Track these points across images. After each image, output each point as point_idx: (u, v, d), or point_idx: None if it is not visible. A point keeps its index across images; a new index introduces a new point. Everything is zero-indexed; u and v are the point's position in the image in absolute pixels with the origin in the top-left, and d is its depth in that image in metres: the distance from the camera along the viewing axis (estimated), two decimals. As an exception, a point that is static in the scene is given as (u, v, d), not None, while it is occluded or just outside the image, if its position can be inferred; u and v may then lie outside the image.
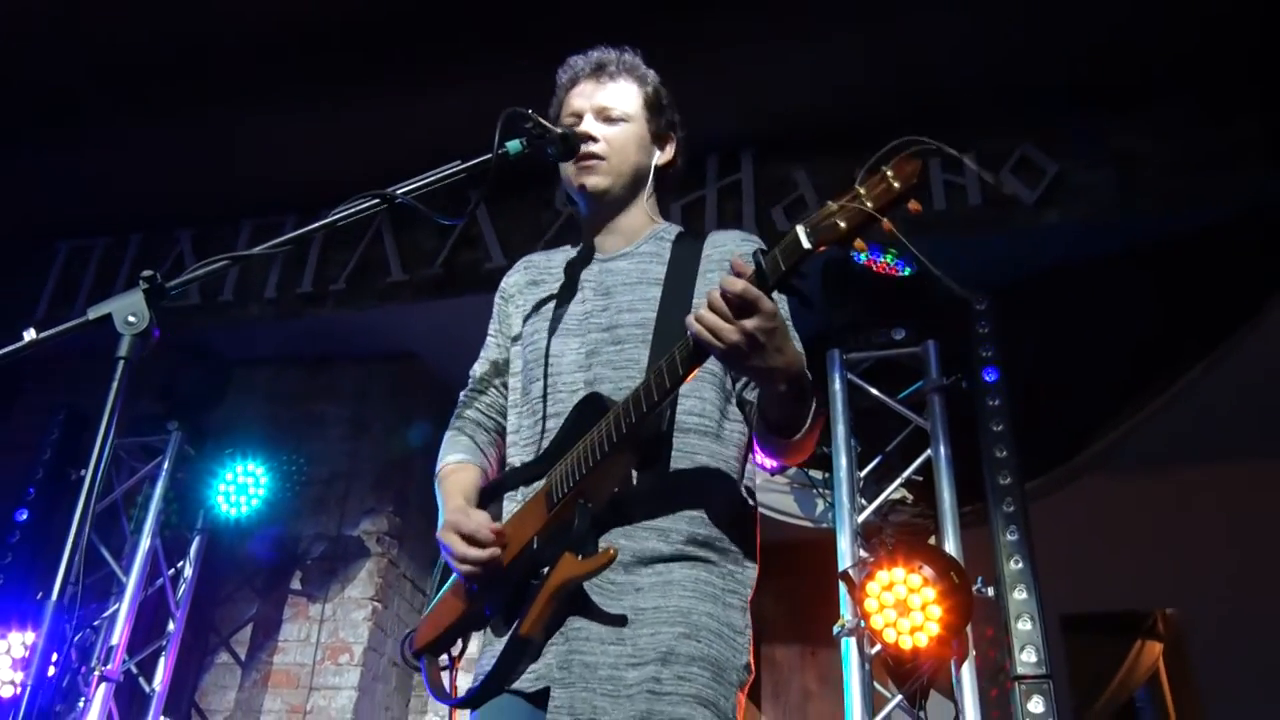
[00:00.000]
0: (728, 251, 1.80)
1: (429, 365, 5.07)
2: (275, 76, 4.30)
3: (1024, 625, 3.63)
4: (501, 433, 1.94)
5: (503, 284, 2.02)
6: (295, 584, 4.89)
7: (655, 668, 1.52)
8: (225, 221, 4.96)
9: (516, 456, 1.81)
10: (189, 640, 4.78)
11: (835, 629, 3.71)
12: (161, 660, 4.61)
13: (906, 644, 3.52)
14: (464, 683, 1.71)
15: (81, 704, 4.33)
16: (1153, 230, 4.42)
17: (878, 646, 3.70)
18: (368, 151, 4.13)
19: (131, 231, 5.17)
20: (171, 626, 4.66)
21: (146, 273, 1.58)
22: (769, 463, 4.14)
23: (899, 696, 3.70)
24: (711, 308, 1.41)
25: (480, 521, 1.67)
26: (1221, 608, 5.45)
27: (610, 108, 1.87)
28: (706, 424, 1.71)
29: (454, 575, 1.78)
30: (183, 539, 4.76)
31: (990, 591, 3.68)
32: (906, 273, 3.97)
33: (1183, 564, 5.48)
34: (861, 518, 3.93)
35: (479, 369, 2.00)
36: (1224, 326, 4.49)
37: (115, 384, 1.57)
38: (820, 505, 4.53)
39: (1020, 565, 3.71)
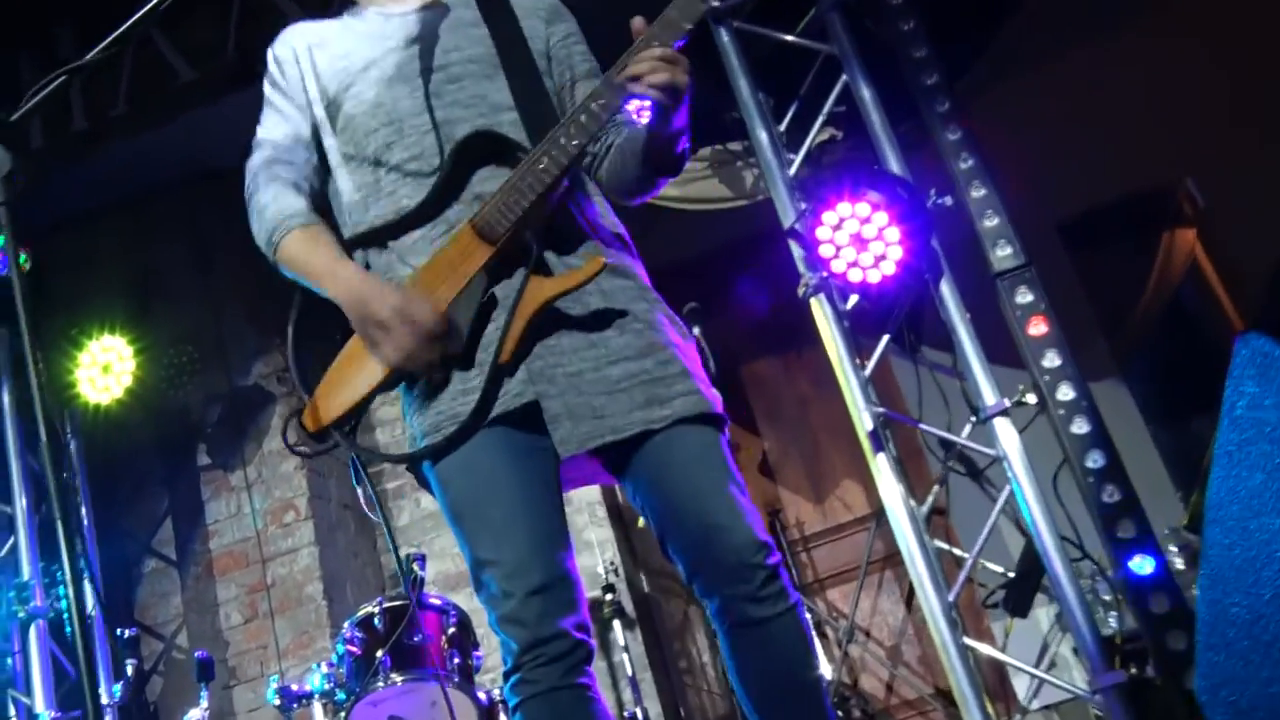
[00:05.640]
0: (537, 1, 2.55)
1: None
2: None
3: (990, 221, 4.73)
4: (315, 199, 2.50)
5: (273, 55, 2.58)
6: (203, 459, 5.85)
7: (638, 363, 2.27)
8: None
9: (362, 214, 2.42)
10: (105, 556, 5.77)
11: (799, 292, 4.77)
12: (85, 585, 5.58)
13: (875, 277, 4.59)
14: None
15: (9, 661, 5.33)
16: None
17: (852, 297, 4.79)
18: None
19: None
20: (81, 545, 5.63)
21: None
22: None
23: (885, 338, 4.81)
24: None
25: (435, 315, 2.25)
26: (1244, 171, 6.48)
27: None
28: (591, 164, 2.51)
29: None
30: (56, 447, 5.64)
31: (948, 200, 4.73)
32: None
33: (1187, 130, 6.48)
34: (793, 170, 4.93)
35: (278, 131, 2.52)
36: None
37: (8, 234, 2.07)
38: (749, 178, 5.53)
39: (970, 163, 4.77)
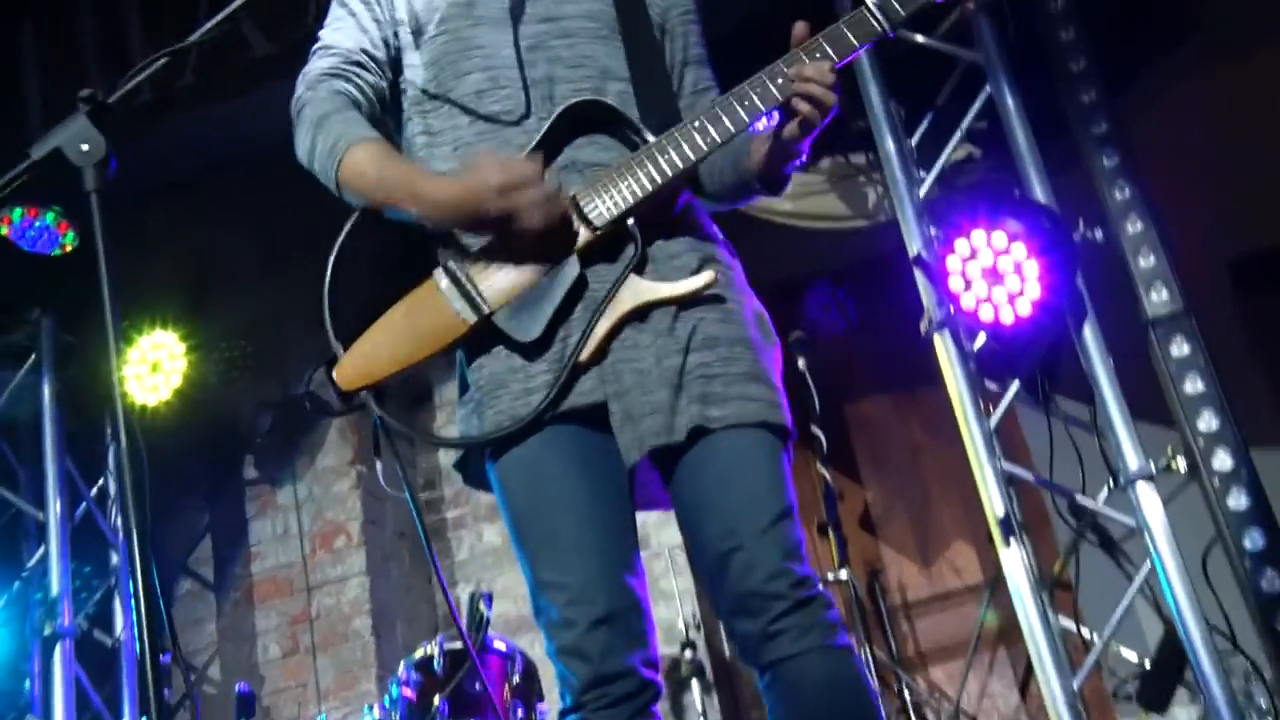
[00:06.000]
0: None
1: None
2: None
3: (1145, 261, 4.63)
4: (375, 124, 2.49)
5: None
6: (250, 472, 5.90)
7: (699, 355, 2.27)
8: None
9: (443, 163, 2.41)
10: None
11: (922, 328, 4.70)
12: (116, 603, 5.66)
13: (1008, 316, 4.49)
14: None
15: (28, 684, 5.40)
16: None
17: (980, 336, 4.70)
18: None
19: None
20: (115, 559, 5.69)
21: (84, 92, 2.12)
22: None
23: (1015, 384, 4.71)
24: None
25: (529, 160, 2.27)
26: None
27: None
28: None
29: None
30: (93, 451, 5.74)
31: (1098, 234, 4.64)
32: None
33: None
34: (924, 190, 4.87)
35: (349, 40, 2.52)
36: None
37: (98, 224, 2.08)
38: (872, 196, 5.46)
39: (1127, 193, 4.68)
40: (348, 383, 2.31)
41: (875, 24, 2.27)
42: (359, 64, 2.49)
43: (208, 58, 5.66)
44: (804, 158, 2.36)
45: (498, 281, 2.30)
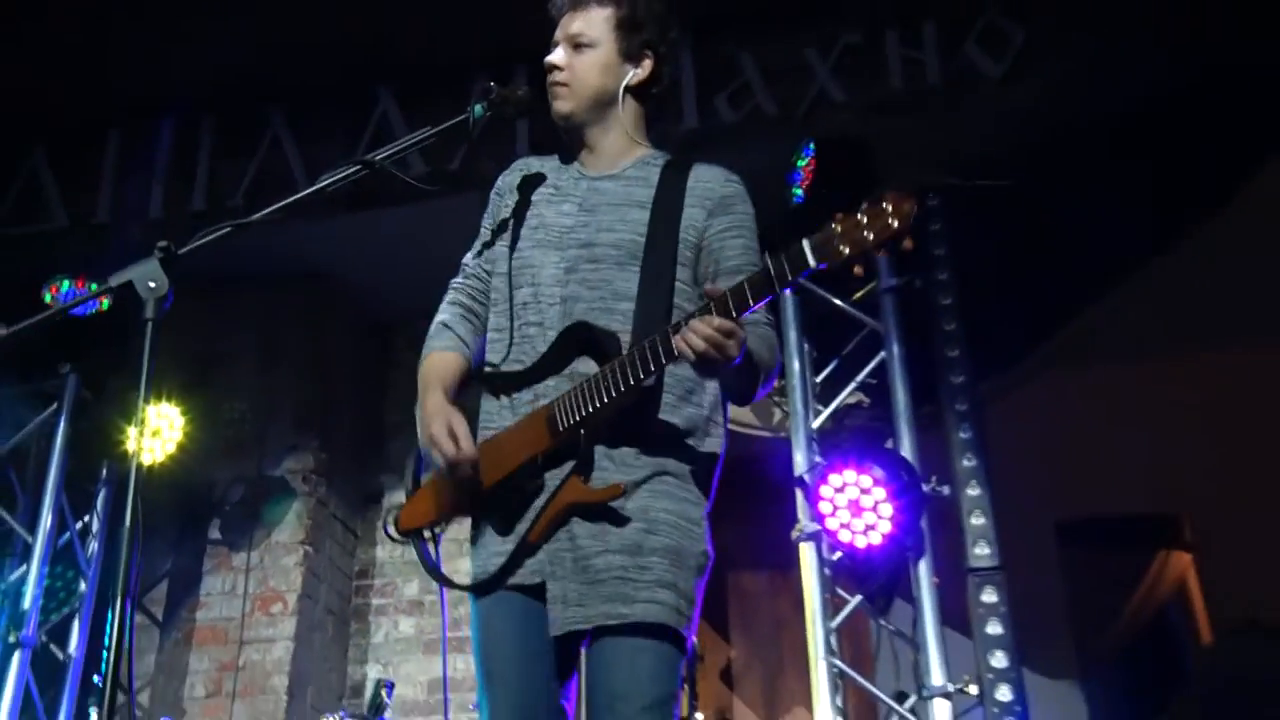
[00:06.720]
0: (710, 189, 2.92)
1: (344, 286, 6.99)
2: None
3: (976, 520, 5.73)
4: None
5: (498, 182, 3.11)
6: (214, 533, 6.83)
7: (623, 558, 2.64)
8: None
9: (494, 355, 2.89)
10: (97, 602, 6.72)
11: (794, 534, 5.78)
12: (75, 624, 6.55)
13: (861, 542, 5.59)
14: (455, 565, 3.11)
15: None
16: (1131, 99, 6.28)
17: (838, 553, 5.79)
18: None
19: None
20: (83, 587, 6.59)
21: (162, 243, 2.56)
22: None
23: (858, 597, 5.80)
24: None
25: (467, 451, 2.74)
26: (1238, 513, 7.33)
27: (579, 34, 2.97)
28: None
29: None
30: (85, 492, 6.67)
31: (945, 490, 5.75)
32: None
33: (1201, 462, 7.40)
34: (817, 423, 5.98)
35: (471, 257, 3.07)
36: (1205, 201, 6.49)
37: (147, 344, 2.56)
38: (778, 414, 6.56)
39: (973, 462, 5.79)
40: (402, 525, 2.98)
41: (769, 283, 2.47)
42: (477, 275, 3.07)
43: (257, 186, 6.73)
44: (744, 377, 2.71)
45: (490, 468, 2.81)
